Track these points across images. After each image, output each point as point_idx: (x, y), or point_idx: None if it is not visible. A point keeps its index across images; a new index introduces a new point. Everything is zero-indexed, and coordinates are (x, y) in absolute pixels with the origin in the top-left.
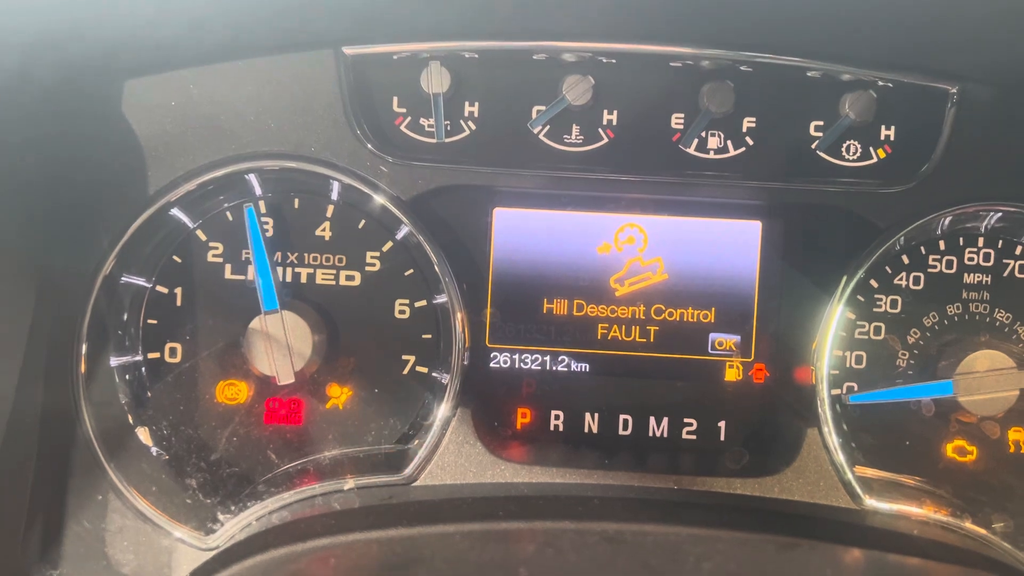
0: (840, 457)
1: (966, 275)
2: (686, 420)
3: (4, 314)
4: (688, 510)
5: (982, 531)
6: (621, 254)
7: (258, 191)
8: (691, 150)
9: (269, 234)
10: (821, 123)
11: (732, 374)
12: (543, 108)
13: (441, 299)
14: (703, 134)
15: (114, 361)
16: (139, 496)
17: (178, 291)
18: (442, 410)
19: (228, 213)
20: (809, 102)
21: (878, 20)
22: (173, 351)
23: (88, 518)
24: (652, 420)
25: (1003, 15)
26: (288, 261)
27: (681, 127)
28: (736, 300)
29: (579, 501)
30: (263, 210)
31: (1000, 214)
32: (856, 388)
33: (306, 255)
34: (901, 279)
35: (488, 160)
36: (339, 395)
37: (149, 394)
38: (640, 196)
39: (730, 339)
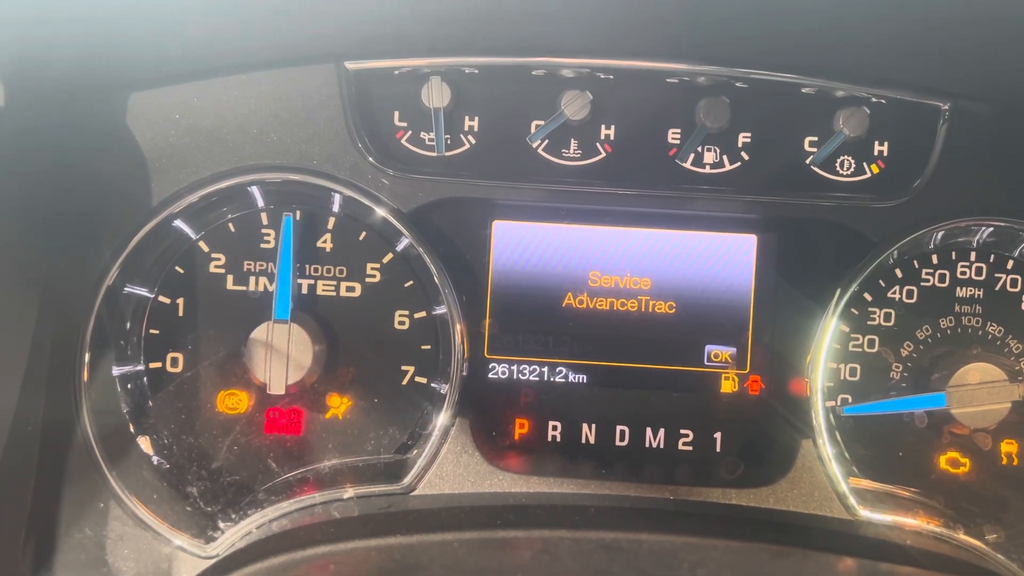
0: (834, 468)
1: (958, 289)
2: (682, 431)
3: (7, 323)
4: (683, 519)
5: (975, 542)
6: (619, 267)
7: (260, 203)
8: (687, 164)
9: (270, 245)
10: (815, 138)
11: (728, 386)
12: (542, 123)
13: (440, 310)
14: (699, 149)
15: (116, 370)
16: (140, 504)
17: (180, 301)
18: (441, 420)
19: (231, 225)
20: (803, 118)
21: (871, 38)
22: (175, 361)
23: (89, 526)
24: (649, 431)
25: (994, 34)
26: None
27: (678, 142)
28: (731, 313)
29: (576, 510)
30: (264, 222)
31: (992, 229)
32: (850, 400)
33: (307, 266)
34: (894, 292)
35: (488, 173)
36: (339, 405)
37: (150, 403)
38: (637, 209)
39: (726, 351)
